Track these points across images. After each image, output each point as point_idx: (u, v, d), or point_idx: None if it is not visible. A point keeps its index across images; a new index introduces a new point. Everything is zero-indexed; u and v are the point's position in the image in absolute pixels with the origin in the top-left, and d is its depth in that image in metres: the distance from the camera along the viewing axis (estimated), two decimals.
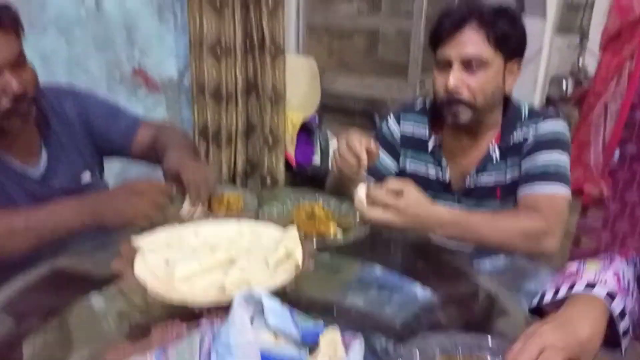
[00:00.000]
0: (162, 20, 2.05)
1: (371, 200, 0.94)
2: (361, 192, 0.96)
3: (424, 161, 1.27)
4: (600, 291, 0.68)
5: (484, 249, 1.06)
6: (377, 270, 1.06)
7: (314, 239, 0.99)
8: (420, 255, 1.14)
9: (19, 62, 0.96)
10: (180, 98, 2.22)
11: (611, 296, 0.68)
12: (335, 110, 2.76)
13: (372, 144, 1.06)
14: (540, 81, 3.53)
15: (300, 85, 2.57)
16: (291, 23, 2.71)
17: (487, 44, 1.09)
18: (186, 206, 1.01)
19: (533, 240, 0.97)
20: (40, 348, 0.78)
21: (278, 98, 2.22)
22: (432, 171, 1.25)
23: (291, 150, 2.32)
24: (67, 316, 0.86)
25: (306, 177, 2.37)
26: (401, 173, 1.30)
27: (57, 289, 0.93)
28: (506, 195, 1.16)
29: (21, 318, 0.85)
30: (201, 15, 2.02)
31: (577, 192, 2.16)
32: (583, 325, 0.64)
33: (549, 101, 3.19)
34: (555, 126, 1.13)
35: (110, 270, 0.80)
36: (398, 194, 0.94)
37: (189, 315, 0.73)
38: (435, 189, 1.24)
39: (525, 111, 1.18)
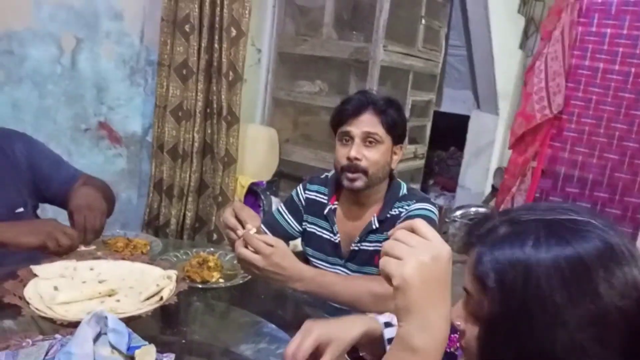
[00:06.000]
0: (133, 83, 2.30)
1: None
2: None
3: (320, 225, 1.44)
4: (381, 319, 0.84)
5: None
6: (270, 325, 1.19)
7: (197, 282, 1.16)
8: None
9: None
10: (141, 152, 2.43)
11: (389, 325, 0.83)
12: (292, 177, 2.97)
13: (243, 216, 1.16)
14: (492, 170, 3.76)
15: (259, 152, 2.79)
16: (259, 96, 2.98)
17: (381, 127, 1.31)
18: None
19: (381, 302, 1.11)
20: None
21: (230, 161, 2.44)
22: (326, 234, 1.43)
23: None
24: None
25: None
26: (303, 233, 1.47)
27: None
28: None
29: None
30: (168, 83, 2.27)
31: None
32: (351, 325, 0.80)
33: (494, 189, 3.41)
34: (422, 207, 1.31)
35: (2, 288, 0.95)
36: (268, 244, 1.09)
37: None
38: (328, 249, 1.41)
39: (403, 191, 1.37)
